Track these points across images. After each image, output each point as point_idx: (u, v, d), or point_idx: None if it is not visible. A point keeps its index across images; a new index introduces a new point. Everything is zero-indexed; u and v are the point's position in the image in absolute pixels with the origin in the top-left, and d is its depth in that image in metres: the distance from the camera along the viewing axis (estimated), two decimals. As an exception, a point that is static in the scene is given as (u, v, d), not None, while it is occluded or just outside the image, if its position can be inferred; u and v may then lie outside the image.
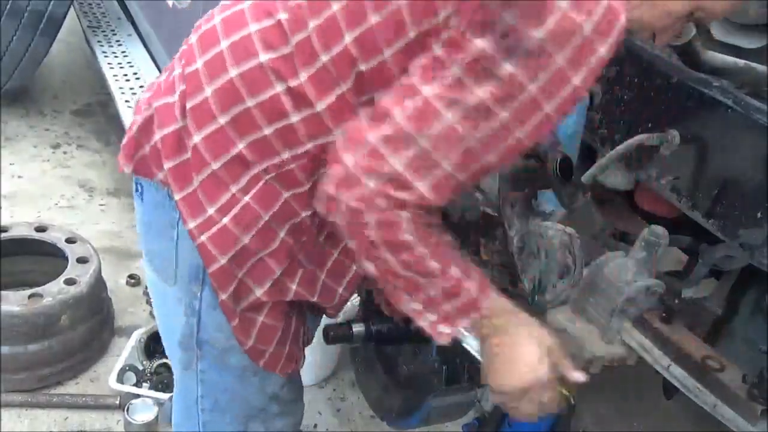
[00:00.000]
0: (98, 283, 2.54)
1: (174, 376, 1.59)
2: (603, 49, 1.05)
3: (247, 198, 1.24)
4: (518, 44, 1.03)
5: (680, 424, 2.61)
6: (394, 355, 1.78)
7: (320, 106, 1.17)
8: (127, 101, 3.23)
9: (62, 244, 2.59)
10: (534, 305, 1.72)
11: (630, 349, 1.83)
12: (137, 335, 2.54)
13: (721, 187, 1.57)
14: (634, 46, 1.79)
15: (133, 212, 3.09)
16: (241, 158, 1.22)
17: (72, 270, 2.49)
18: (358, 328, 1.65)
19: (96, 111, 4.20)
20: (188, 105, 1.24)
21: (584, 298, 1.90)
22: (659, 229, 1.81)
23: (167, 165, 1.27)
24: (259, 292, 1.32)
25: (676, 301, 1.78)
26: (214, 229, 1.26)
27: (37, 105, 4.14)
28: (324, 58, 1.15)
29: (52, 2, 3.61)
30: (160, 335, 1.58)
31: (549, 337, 1.26)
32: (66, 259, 2.53)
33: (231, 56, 1.21)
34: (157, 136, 1.28)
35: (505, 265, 1.73)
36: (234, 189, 1.24)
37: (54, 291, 2.39)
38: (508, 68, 1.03)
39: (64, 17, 3.72)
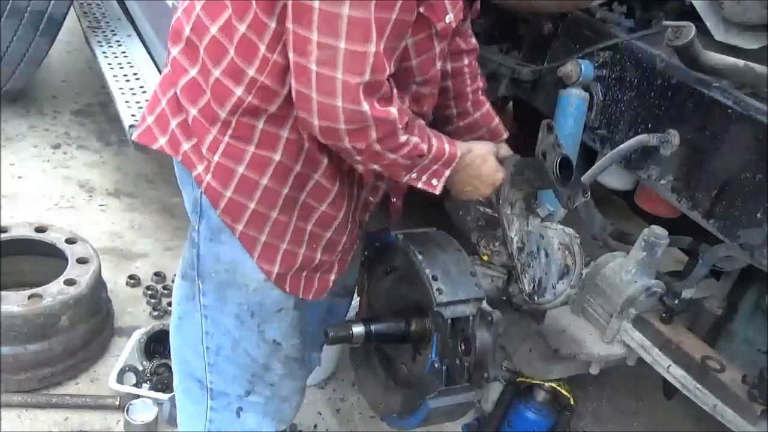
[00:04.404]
0: (98, 284, 2.54)
1: (175, 314, 1.67)
2: None
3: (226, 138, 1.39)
4: None
5: (680, 424, 2.61)
6: (394, 355, 1.78)
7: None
8: (127, 101, 3.21)
9: (62, 245, 2.59)
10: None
11: (630, 349, 1.83)
12: (137, 335, 2.54)
13: (721, 187, 1.57)
14: (635, 47, 1.80)
15: (132, 212, 3.10)
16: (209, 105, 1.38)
17: (72, 270, 2.48)
18: (357, 328, 1.65)
19: (96, 111, 4.19)
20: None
21: (584, 298, 1.90)
22: (659, 229, 1.81)
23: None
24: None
25: (676, 301, 1.77)
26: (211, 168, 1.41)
27: (37, 105, 4.13)
28: None
29: (52, 2, 3.60)
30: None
31: (490, 146, 1.61)
32: (66, 259, 2.53)
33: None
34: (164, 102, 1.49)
35: (505, 265, 1.73)
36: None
37: (54, 291, 2.39)
38: None
39: (64, 17, 3.71)
